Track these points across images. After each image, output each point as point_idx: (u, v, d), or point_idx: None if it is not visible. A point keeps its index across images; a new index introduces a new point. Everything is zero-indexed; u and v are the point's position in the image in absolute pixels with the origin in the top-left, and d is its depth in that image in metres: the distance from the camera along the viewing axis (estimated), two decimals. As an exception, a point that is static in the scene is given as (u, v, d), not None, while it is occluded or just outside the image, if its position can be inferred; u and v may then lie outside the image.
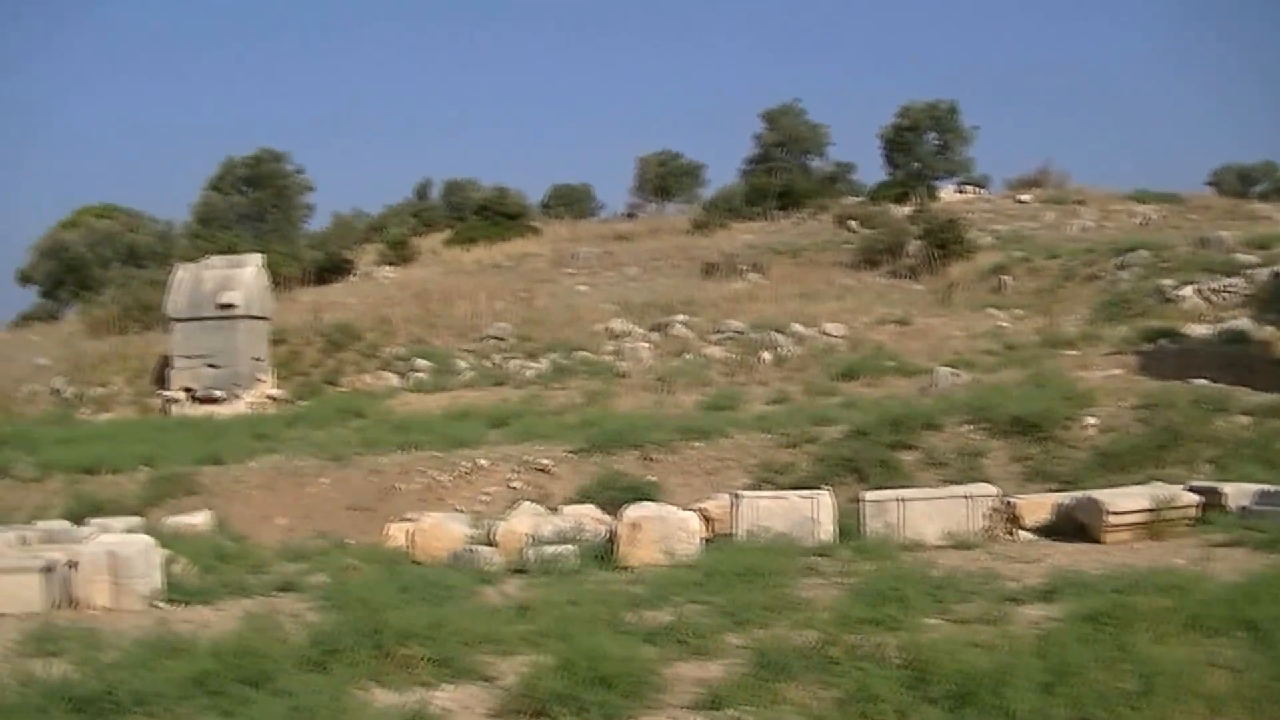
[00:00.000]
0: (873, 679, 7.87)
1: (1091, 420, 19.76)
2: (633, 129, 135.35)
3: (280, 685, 8.69)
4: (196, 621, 11.75)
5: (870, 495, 15.49)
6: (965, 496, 15.35)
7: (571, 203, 58.37)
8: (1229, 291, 29.41)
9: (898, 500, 15.23)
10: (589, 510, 16.46)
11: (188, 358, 29.75)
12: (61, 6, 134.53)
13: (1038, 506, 15.55)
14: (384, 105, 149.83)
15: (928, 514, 15.07)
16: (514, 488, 19.50)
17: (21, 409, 29.82)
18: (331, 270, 44.82)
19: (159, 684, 8.82)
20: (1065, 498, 15.62)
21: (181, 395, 29.49)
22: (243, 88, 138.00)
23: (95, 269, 48.01)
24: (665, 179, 58.21)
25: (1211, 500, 15.02)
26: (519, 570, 14.20)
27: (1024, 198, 46.23)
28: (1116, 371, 23.81)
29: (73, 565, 13.33)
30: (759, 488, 17.44)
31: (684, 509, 15.26)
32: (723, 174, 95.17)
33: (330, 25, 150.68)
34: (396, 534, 16.07)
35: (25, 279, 52.87)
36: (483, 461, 20.17)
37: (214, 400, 29.06)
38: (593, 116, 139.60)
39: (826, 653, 8.81)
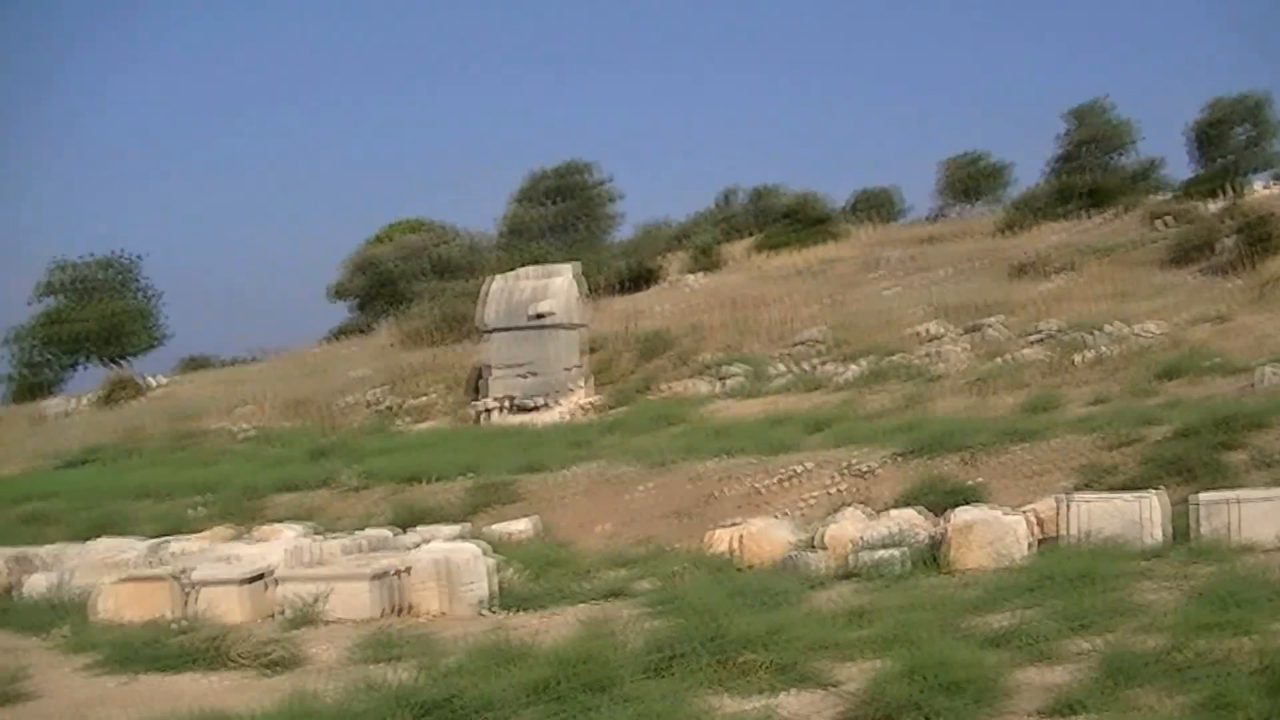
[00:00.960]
0: (1228, 685, 7.48)
1: None
2: (936, 130, 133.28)
3: (622, 692, 8.55)
4: (529, 628, 11.71)
5: (1203, 497, 14.56)
6: (1305, 496, 14.31)
7: (877, 206, 57.36)
8: None
9: (1232, 501, 14.25)
10: (913, 514, 15.88)
11: (503, 367, 30.04)
12: (363, 24, 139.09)
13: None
14: (688, 113, 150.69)
15: (1265, 515, 14.05)
16: (835, 492, 18.97)
17: (341, 420, 30.56)
18: (639, 278, 44.90)
19: (500, 691, 8.76)
20: None
21: (497, 404, 29.77)
22: (547, 99, 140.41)
23: (406, 282, 49.16)
24: (971, 180, 56.90)
25: None
26: (847, 575, 13.82)
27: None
28: None
29: (403, 573, 13.39)
30: (1084, 490, 16.62)
31: (1012, 512, 14.70)
32: (1028, 174, 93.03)
33: (632, 35, 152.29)
34: (720, 540, 15.73)
35: (339, 294, 54.59)
36: (803, 466, 19.69)
37: (530, 409, 29.25)
38: (896, 119, 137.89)
39: (1175, 658, 8.35)
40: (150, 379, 44.70)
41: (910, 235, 47.32)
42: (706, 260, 45.98)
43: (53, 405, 44.95)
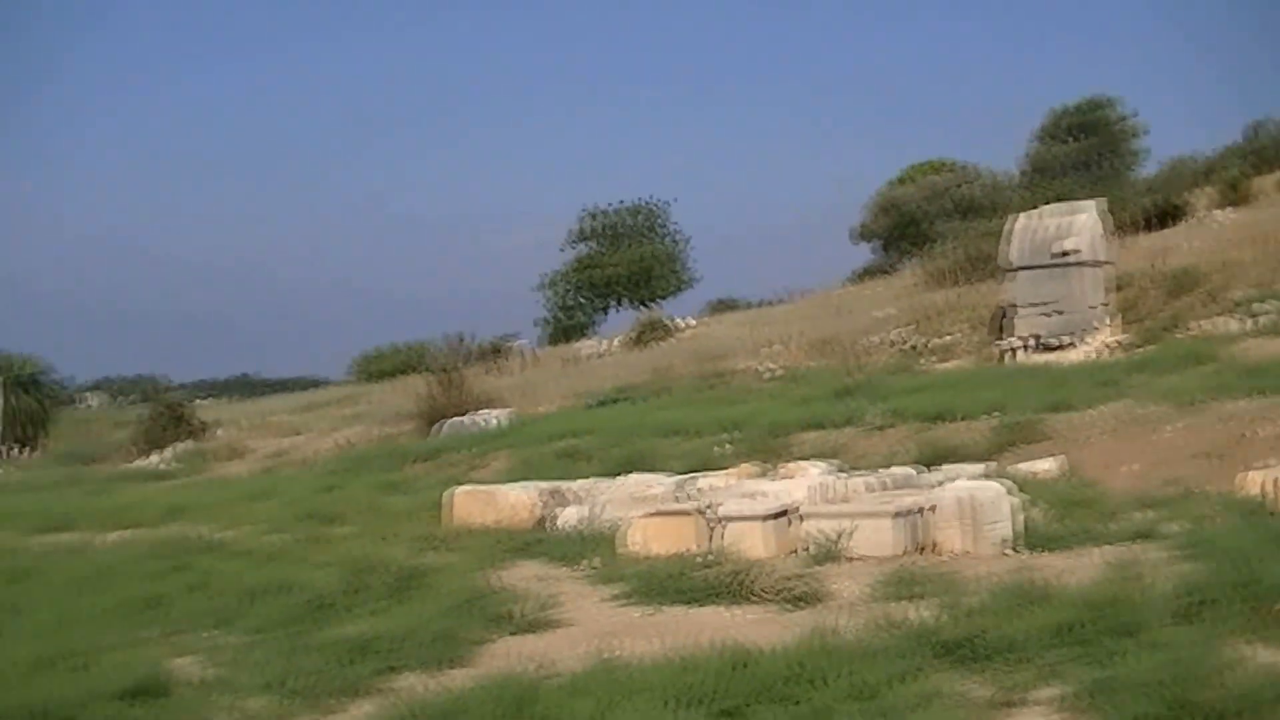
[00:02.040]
0: None
1: None
2: None
3: (1149, 637, 8.16)
4: (1053, 569, 11.25)
5: None
6: None
7: None
8: None
9: None
10: None
11: (1028, 306, 29.33)
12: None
13: None
14: (1214, 41, 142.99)
15: None
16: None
17: (865, 360, 30.52)
18: (1165, 215, 43.01)
19: (1023, 631, 8.53)
20: None
21: (1021, 343, 29.11)
22: (1069, 35, 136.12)
23: (929, 223, 48.84)
24: None
25: None
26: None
27: None
28: None
29: (927, 511, 13.17)
30: None
31: None
32: None
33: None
34: (1253, 482, 14.70)
35: (863, 235, 54.74)
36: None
37: (1054, 347, 28.46)
38: None
39: None
40: (679, 321, 46.04)
41: None
42: (1235, 195, 43.54)
43: (585, 347, 47.04)
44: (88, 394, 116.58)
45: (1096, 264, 29.51)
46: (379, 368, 54.26)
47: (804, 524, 13.32)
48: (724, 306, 54.77)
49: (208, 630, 10.72)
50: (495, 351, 45.98)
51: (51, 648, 9.37)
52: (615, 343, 45.72)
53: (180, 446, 37.28)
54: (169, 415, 41.32)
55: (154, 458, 36.99)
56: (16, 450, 60.08)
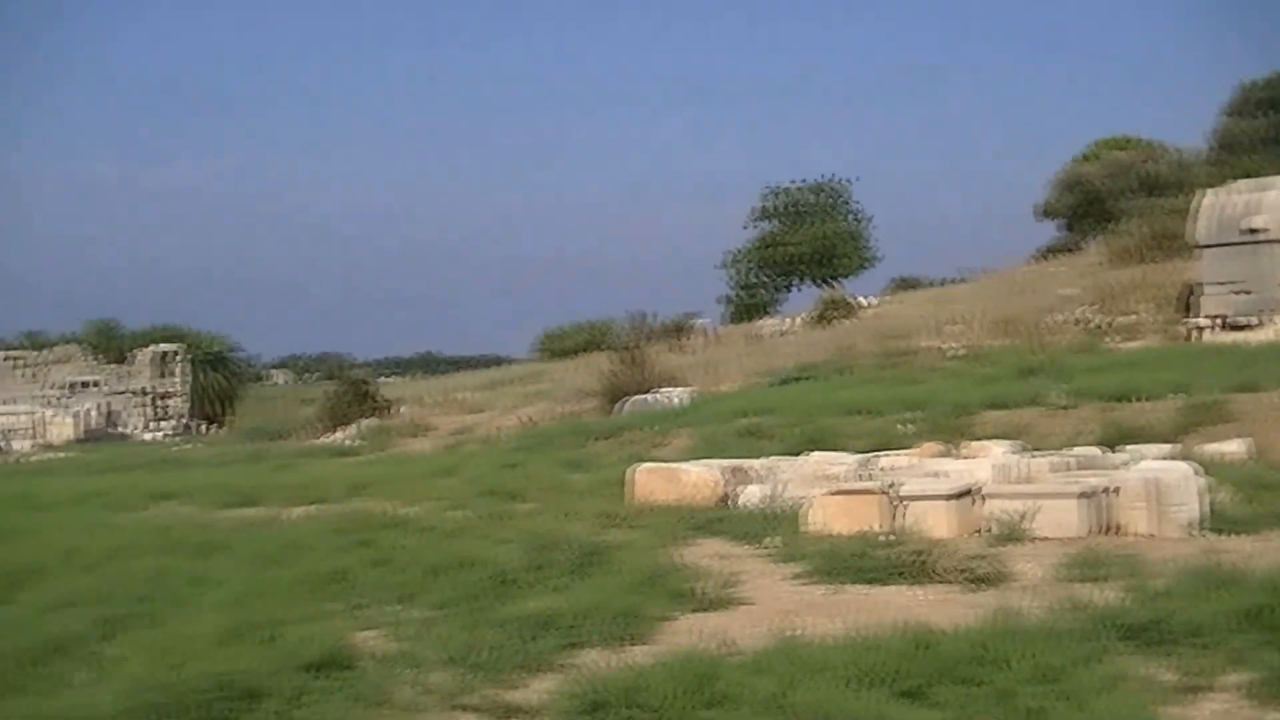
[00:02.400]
0: None
1: None
2: None
3: None
4: (1241, 552, 11.14)
5: None
6: None
7: None
8: None
9: None
10: None
11: (1216, 284, 28.72)
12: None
13: None
14: None
15: None
16: None
17: (1049, 339, 30.10)
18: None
19: (1209, 616, 8.43)
20: None
21: (1209, 322, 28.49)
22: (1257, 6, 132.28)
23: (1114, 200, 47.92)
24: None
25: None
26: None
27: None
28: None
29: (1112, 492, 13.03)
30: None
31: None
32: None
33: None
34: None
35: (1046, 213, 53.91)
36: None
37: (1242, 327, 27.83)
38: None
39: None
40: (861, 299, 45.88)
41: None
42: None
43: (768, 325, 47.09)
44: (274, 371, 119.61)
45: (1286, 241, 28.80)
46: (562, 345, 54.87)
47: (987, 504, 13.25)
48: (906, 285, 54.42)
49: (391, 605, 10.91)
50: (677, 330, 46.21)
51: (238, 620, 9.56)
52: (797, 321, 45.71)
53: (365, 423, 38.03)
54: (354, 392, 42.21)
55: (339, 434, 37.82)
56: (204, 426, 62.00)
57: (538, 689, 8.28)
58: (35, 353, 67.38)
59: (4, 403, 60.35)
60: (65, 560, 13.07)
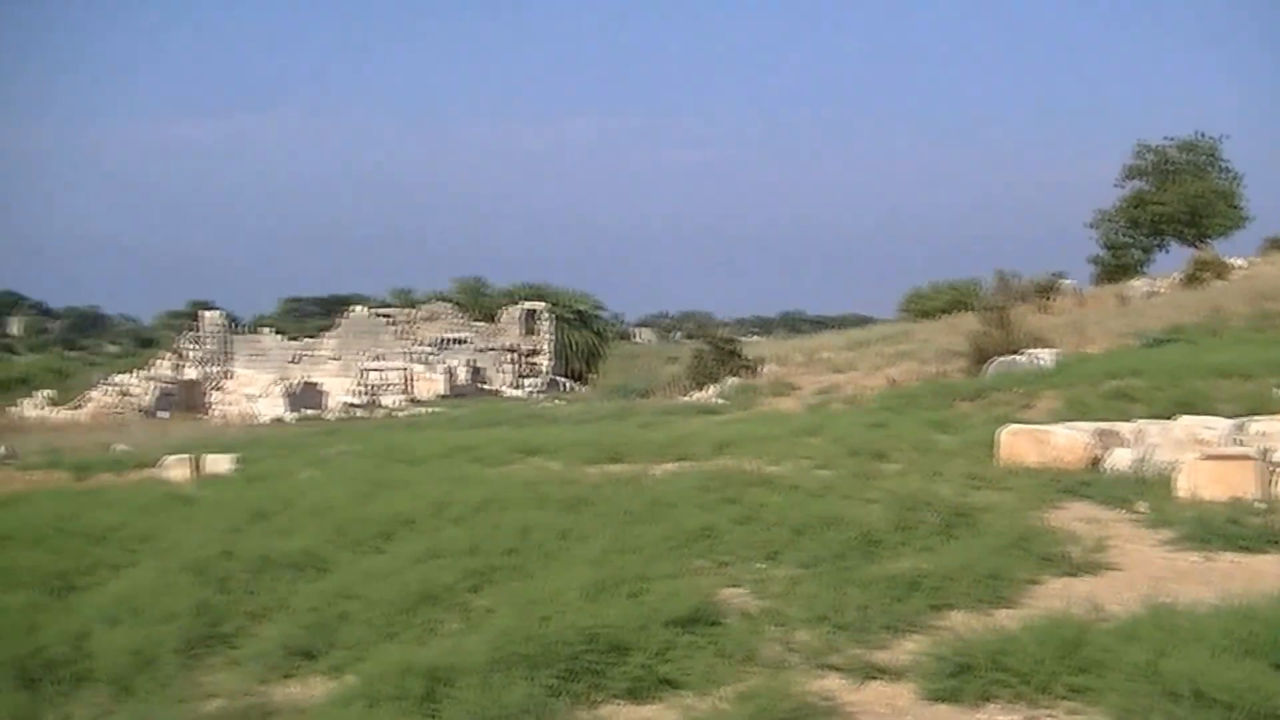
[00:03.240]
0: None
1: None
2: None
3: None
4: None
5: None
6: None
7: None
8: None
9: None
10: None
11: None
12: None
13: None
14: None
15: None
16: None
17: None
18: None
19: None
20: None
21: None
22: None
23: None
24: None
25: None
26: None
27: None
28: None
29: None
30: None
31: None
32: None
33: None
34: None
35: None
36: None
37: None
38: None
39: None
40: (1233, 260, 44.18)
41: None
42: None
43: (1137, 286, 45.74)
44: (638, 330, 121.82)
45: None
46: (927, 305, 54.47)
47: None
48: (1278, 246, 52.03)
49: (757, 562, 11.10)
50: (1044, 290, 45.32)
51: (605, 575, 9.80)
52: (1167, 281, 44.34)
53: (729, 382, 38.54)
54: (719, 351, 42.81)
55: (703, 392, 38.41)
56: (569, 383, 63.71)
57: (903, 650, 8.40)
58: (405, 310, 70.28)
59: (375, 359, 63.34)
60: (435, 512, 13.67)
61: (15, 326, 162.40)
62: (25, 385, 78.01)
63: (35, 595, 10.53)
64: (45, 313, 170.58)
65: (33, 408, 58.22)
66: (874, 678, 8.01)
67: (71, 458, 25.52)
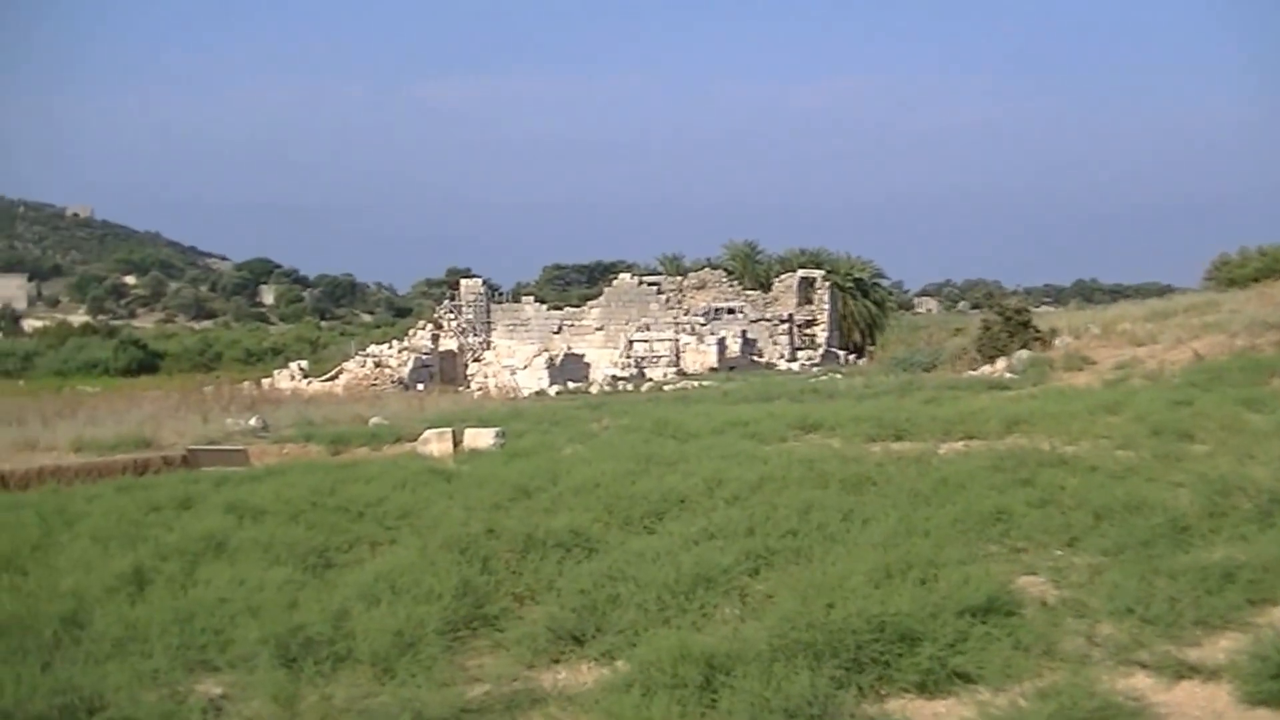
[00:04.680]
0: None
1: None
2: None
3: None
4: None
5: None
6: None
7: None
8: None
9: None
10: None
11: None
12: None
13: None
14: None
15: None
16: None
17: None
18: None
19: None
20: None
21: None
22: None
23: None
24: None
25: None
26: None
27: None
28: None
29: None
30: None
31: None
32: None
33: None
34: None
35: None
36: None
37: None
38: None
39: None
40: None
41: None
42: None
43: None
44: (921, 299, 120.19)
45: None
46: (1236, 273, 52.13)
47: None
48: None
49: (1055, 549, 10.68)
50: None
51: (892, 559, 9.52)
52: None
53: (1020, 355, 37.50)
54: (1008, 322, 41.58)
55: (992, 366, 37.49)
56: (847, 356, 62.66)
57: (1218, 647, 7.97)
58: (673, 278, 69.28)
59: (641, 329, 62.59)
60: (708, 491, 13.44)
61: (269, 295, 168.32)
62: (279, 355, 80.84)
63: (293, 572, 10.58)
64: (299, 281, 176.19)
65: (287, 378, 59.04)
66: (1186, 677, 7.62)
67: (327, 430, 25.89)
